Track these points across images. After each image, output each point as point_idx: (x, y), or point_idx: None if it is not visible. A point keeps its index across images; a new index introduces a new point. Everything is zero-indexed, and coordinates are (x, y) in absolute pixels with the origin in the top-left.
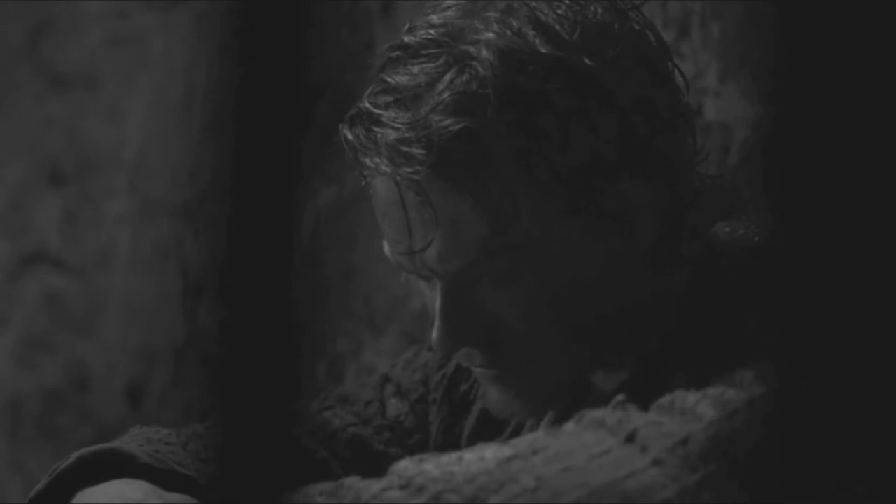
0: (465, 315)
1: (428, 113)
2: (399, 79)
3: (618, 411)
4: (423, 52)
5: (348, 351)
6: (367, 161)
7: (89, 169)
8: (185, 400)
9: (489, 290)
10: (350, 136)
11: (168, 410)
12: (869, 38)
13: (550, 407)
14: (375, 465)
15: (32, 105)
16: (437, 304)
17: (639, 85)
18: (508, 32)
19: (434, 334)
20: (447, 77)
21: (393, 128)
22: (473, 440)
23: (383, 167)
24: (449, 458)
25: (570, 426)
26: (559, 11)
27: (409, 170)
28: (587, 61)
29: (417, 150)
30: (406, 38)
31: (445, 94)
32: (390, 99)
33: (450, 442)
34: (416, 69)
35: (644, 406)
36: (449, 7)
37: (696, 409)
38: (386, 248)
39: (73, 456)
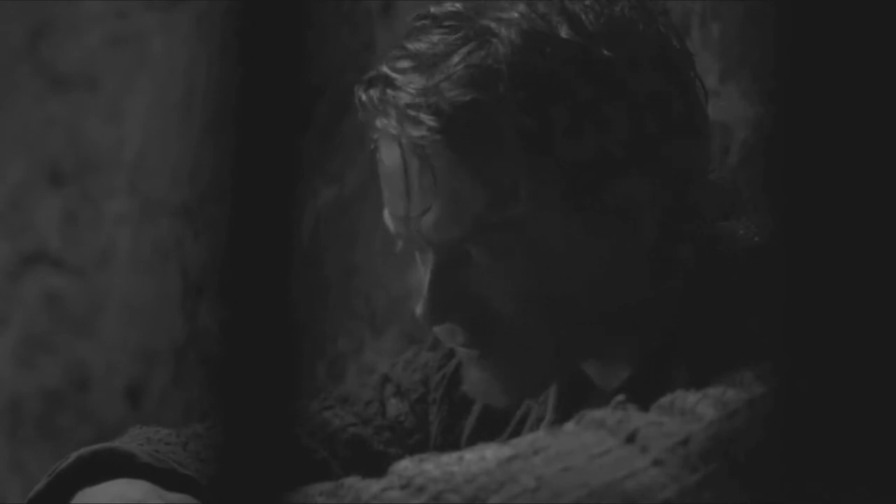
0: (453, 290)
1: (440, 81)
2: (419, 46)
3: (618, 411)
4: (447, 22)
5: (349, 350)
6: (377, 122)
7: (89, 169)
8: (185, 400)
9: (480, 268)
10: (364, 98)
11: (168, 410)
12: (869, 38)
13: (527, 395)
14: (375, 465)
15: (32, 105)
16: (427, 275)
17: (655, 85)
18: (533, 15)
19: (419, 306)
20: (465, 49)
21: (406, 92)
22: (473, 440)
23: (391, 129)
24: (449, 458)
25: (570, 426)
26: (586, 2)
27: (415, 134)
28: (605, 52)
29: (426, 116)
30: (433, 9)
31: (460, 66)
32: (407, 65)
33: (450, 442)
34: (436, 38)
35: (644, 406)
36: None
37: (697, 409)
38: (385, 214)
39: (73, 456)
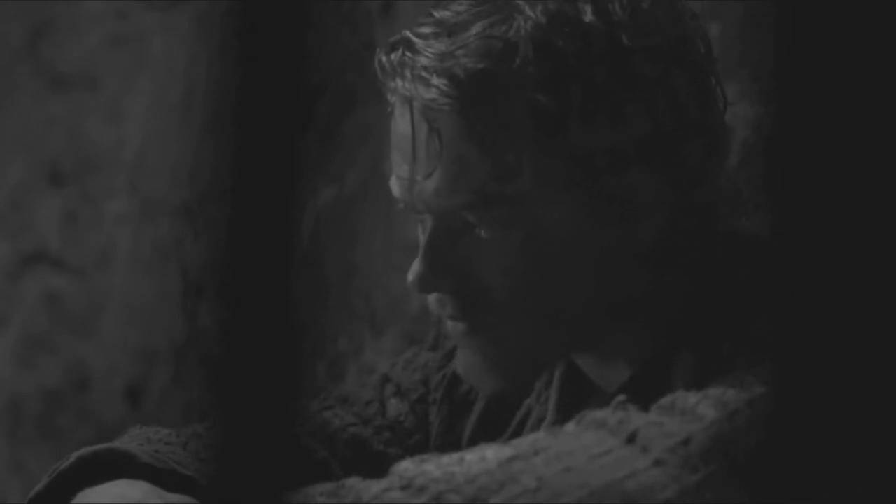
0: (447, 258)
1: (458, 48)
2: (444, 14)
3: (619, 412)
4: None
5: (349, 350)
6: (393, 84)
7: (89, 169)
8: (185, 400)
9: (477, 241)
10: (384, 59)
11: (168, 410)
12: (869, 38)
13: (515, 382)
14: (375, 466)
15: (32, 105)
16: (423, 242)
17: (673, 82)
18: None
19: (412, 272)
20: (488, 21)
21: (424, 55)
22: (474, 441)
23: (405, 90)
24: (450, 459)
25: (571, 427)
26: None
27: (427, 97)
28: (626, 41)
29: (439, 80)
30: None
31: (479, 35)
32: (429, 30)
33: (450, 442)
34: (462, 7)
35: (645, 407)
36: None
37: (697, 409)
38: (392, 179)
39: (73, 456)
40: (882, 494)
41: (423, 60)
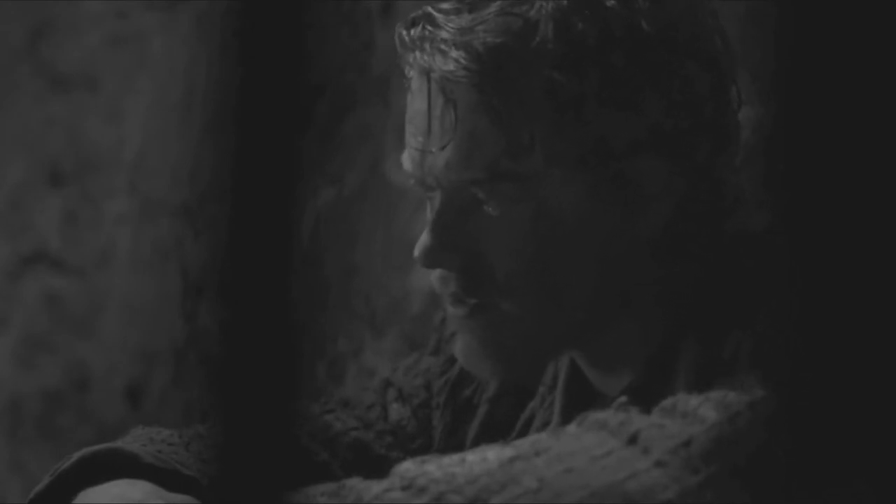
0: (455, 234)
1: (478, 23)
2: None
3: (620, 413)
4: None
5: (349, 351)
6: (411, 57)
7: (89, 169)
8: (185, 400)
9: (485, 219)
10: (404, 33)
11: (168, 411)
12: (869, 39)
13: (511, 370)
14: (377, 470)
15: (32, 105)
16: (431, 216)
17: (690, 75)
18: None
19: (418, 247)
20: None
21: (444, 29)
22: (478, 445)
23: (423, 62)
24: (451, 460)
25: (572, 428)
26: None
27: (444, 68)
28: (646, 27)
29: (457, 52)
30: None
31: (500, 12)
32: (450, 6)
33: (453, 446)
34: None
35: (647, 408)
36: None
37: (699, 411)
38: (403, 156)
39: (75, 456)
40: (883, 494)
41: (443, 34)
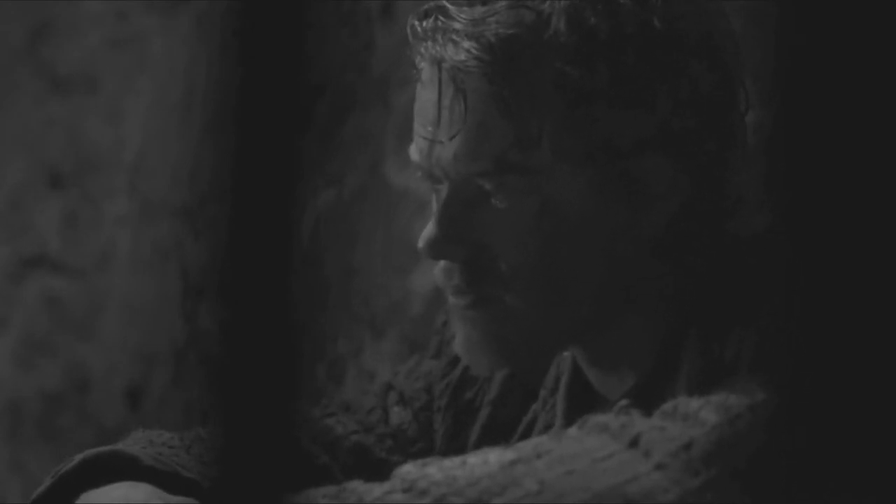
0: (461, 225)
1: (490, 15)
2: None
3: (621, 416)
4: None
5: (348, 352)
6: (423, 48)
7: (89, 170)
8: (186, 401)
9: (490, 212)
10: (416, 24)
11: (168, 412)
12: (869, 39)
13: (510, 364)
14: (378, 473)
15: (32, 106)
16: (437, 208)
17: (699, 75)
18: None
19: (423, 237)
20: None
21: (457, 20)
22: (479, 448)
23: (433, 52)
24: (452, 462)
25: (573, 430)
26: None
27: (457, 58)
28: (658, 24)
29: (469, 43)
30: None
31: (512, 4)
32: None
33: (455, 450)
34: None
35: (649, 411)
36: None
37: (700, 414)
38: (411, 148)
39: (77, 458)
40: (884, 496)
41: (455, 25)
